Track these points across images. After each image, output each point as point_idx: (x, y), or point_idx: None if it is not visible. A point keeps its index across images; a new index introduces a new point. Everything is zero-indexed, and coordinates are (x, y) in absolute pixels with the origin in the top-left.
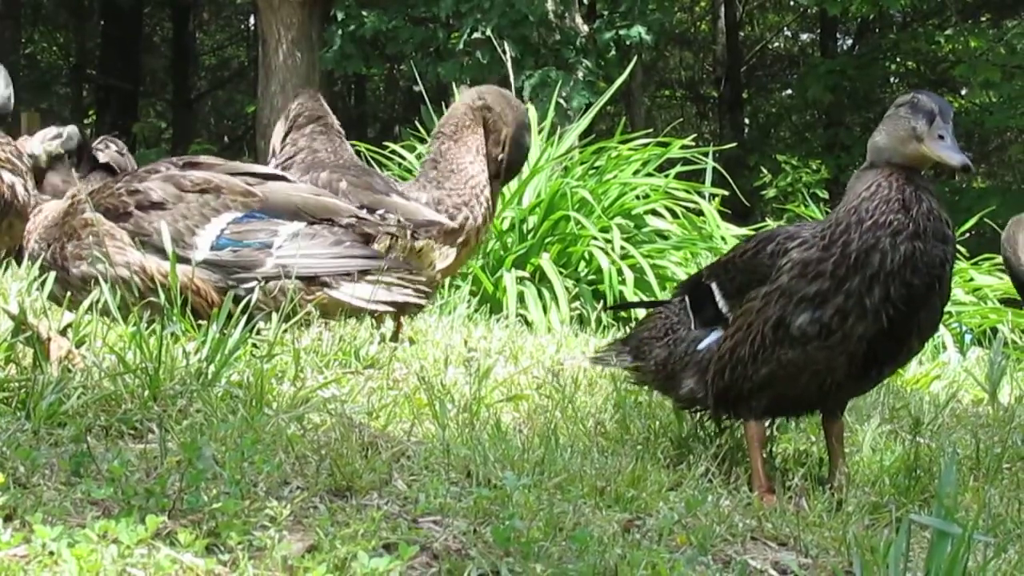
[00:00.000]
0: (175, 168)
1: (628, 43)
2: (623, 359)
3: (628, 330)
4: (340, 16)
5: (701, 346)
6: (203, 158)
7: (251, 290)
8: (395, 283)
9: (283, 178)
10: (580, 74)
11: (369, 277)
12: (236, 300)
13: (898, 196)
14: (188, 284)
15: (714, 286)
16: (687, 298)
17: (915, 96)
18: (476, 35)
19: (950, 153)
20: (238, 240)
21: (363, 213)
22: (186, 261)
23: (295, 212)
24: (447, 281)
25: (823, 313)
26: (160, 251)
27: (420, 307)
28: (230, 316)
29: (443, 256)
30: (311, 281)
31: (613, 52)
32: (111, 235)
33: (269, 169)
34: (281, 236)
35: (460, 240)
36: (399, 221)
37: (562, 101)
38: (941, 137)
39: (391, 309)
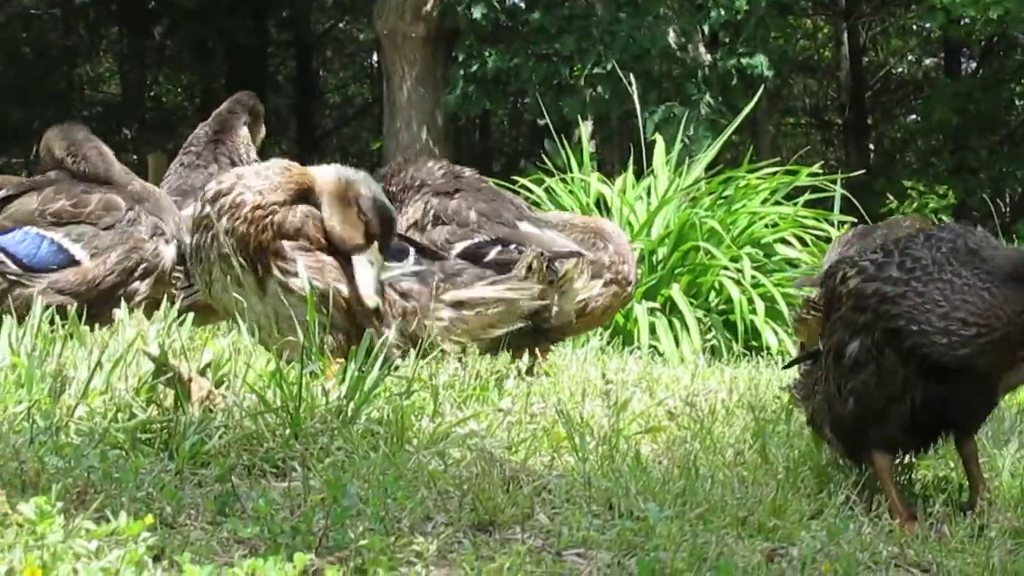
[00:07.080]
0: None
1: (750, 73)
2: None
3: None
4: (461, 56)
5: None
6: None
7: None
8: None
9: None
10: (703, 110)
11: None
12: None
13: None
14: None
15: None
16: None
17: None
18: (598, 70)
19: None
20: None
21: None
22: None
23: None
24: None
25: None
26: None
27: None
28: (369, 352)
29: (587, 288)
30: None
31: (736, 82)
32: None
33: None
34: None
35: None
36: (540, 252)
37: (686, 140)
38: None
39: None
